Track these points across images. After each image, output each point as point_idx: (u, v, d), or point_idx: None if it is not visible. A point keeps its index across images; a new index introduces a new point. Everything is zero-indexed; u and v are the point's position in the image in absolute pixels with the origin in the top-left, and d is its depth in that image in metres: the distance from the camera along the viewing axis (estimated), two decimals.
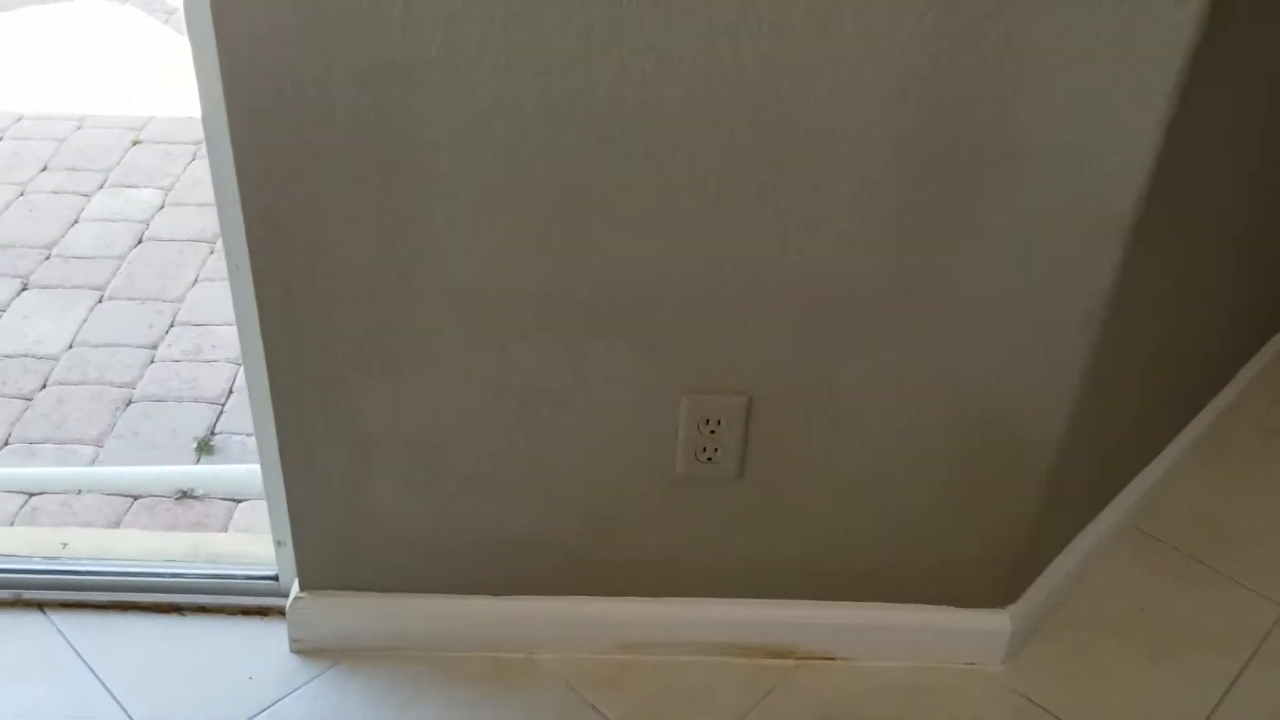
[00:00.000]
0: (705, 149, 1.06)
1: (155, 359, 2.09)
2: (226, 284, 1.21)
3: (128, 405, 1.97)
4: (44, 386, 2.00)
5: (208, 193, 2.18)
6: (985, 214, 1.11)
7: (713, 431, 1.26)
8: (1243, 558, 1.64)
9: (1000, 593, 1.41)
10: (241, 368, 1.95)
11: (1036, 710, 1.40)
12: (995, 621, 1.42)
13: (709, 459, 1.28)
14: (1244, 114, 1.30)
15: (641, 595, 1.40)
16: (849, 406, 1.25)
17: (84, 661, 1.39)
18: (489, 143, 1.06)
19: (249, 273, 1.15)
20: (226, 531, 1.70)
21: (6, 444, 1.86)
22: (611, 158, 1.07)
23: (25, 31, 3.52)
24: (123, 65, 3.32)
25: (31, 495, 1.74)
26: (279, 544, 1.40)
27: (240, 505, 1.74)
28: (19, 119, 2.95)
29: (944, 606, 1.42)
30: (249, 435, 1.84)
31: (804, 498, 1.32)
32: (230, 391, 2.01)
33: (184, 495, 1.76)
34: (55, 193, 2.62)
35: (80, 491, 1.74)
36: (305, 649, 1.41)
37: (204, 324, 2.18)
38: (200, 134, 1.29)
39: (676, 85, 1.02)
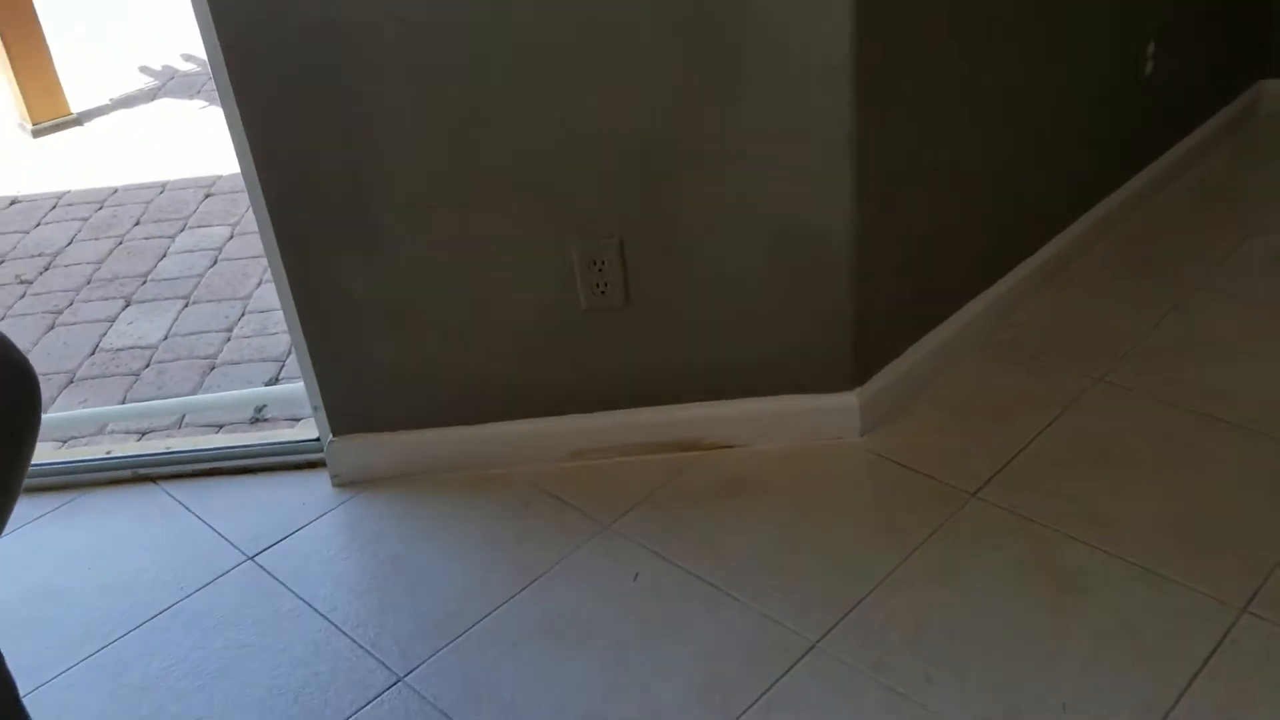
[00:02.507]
0: (551, 56, 1.57)
1: (231, 338, 2.65)
2: None
3: (212, 370, 2.53)
4: (148, 365, 2.57)
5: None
6: (744, 73, 1.59)
7: (600, 270, 1.75)
8: (1070, 353, 2.07)
9: (847, 379, 1.86)
10: None
11: (888, 462, 1.85)
12: (847, 401, 1.87)
13: (602, 292, 1.77)
14: None
15: (579, 412, 1.88)
16: (692, 236, 1.73)
17: (189, 510, 1.92)
18: (409, 66, 1.58)
19: (262, 196, 1.69)
20: None
21: (123, 402, 2.43)
22: (489, 74, 1.59)
23: (116, 128, 4.20)
24: (194, 143, 3.97)
25: (144, 434, 2.30)
26: (315, 409, 1.91)
27: (299, 423, 2.27)
28: (115, 191, 3.60)
29: (807, 394, 1.87)
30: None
31: (678, 315, 1.79)
32: (289, 352, 2.55)
33: (257, 419, 2.30)
34: (147, 238, 3.24)
35: (182, 421, 2.30)
36: (342, 482, 1.92)
37: (267, 310, 2.74)
38: None
39: (531, 21, 1.54)
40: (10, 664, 1.01)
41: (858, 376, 1.87)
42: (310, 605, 1.69)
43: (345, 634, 1.63)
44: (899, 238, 1.83)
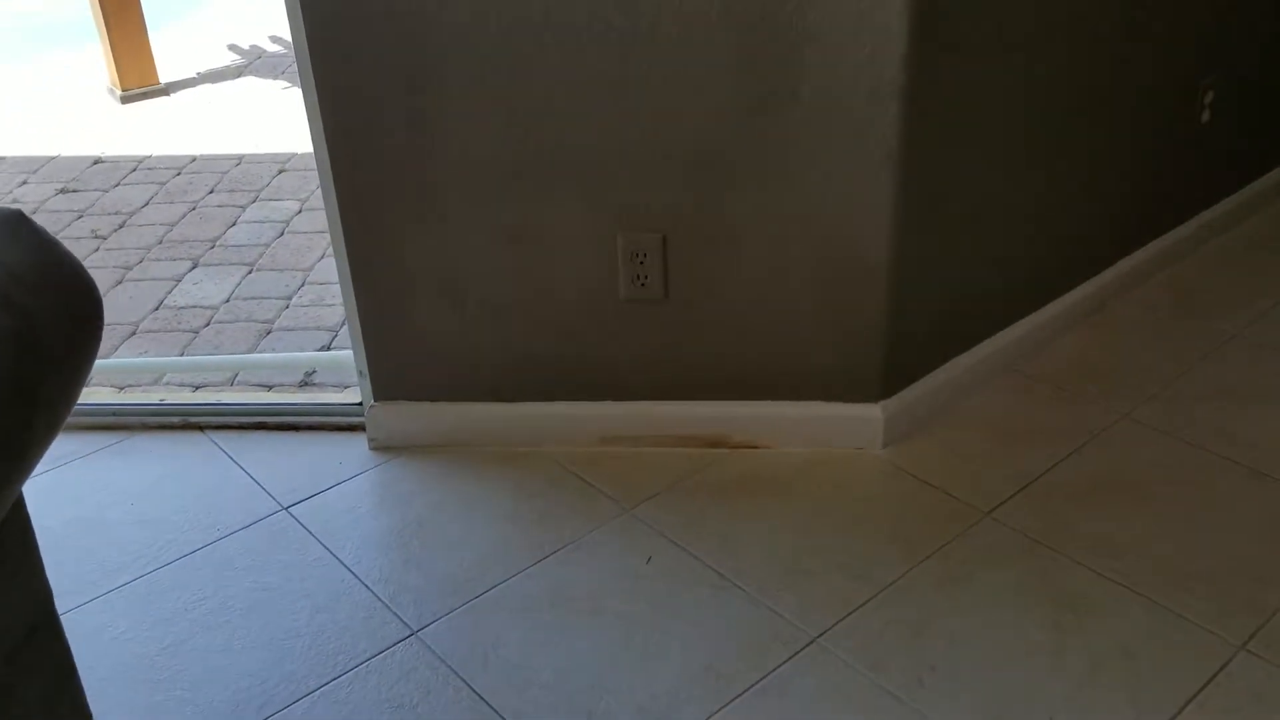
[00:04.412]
0: (610, 56, 1.64)
1: (290, 305, 2.75)
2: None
3: (268, 334, 2.62)
4: (208, 324, 2.67)
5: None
6: (797, 86, 1.65)
7: (641, 262, 1.81)
8: (1100, 388, 2.09)
9: (874, 391, 1.90)
10: None
11: (906, 475, 1.89)
12: (871, 412, 1.91)
13: (642, 284, 1.83)
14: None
15: (612, 400, 1.94)
16: (734, 238, 1.78)
17: (232, 459, 2.01)
18: (475, 51, 1.66)
19: (329, 162, 1.77)
20: None
21: (181, 356, 2.53)
22: (551, 64, 1.66)
23: (201, 100, 4.35)
24: (274, 121, 4.10)
25: (198, 387, 2.39)
26: (360, 374, 1.99)
27: (345, 390, 2.35)
28: (193, 159, 3.74)
29: (834, 402, 1.92)
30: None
31: (714, 313, 1.85)
32: (343, 323, 2.64)
33: (306, 383, 2.39)
34: (219, 206, 3.36)
35: (235, 378, 2.39)
36: (379, 446, 2.00)
37: (326, 283, 2.84)
38: None
39: (591, 21, 1.61)
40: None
41: (885, 390, 1.91)
42: (336, 557, 1.76)
43: (366, 586, 1.70)
44: (937, 259, 1.87)
